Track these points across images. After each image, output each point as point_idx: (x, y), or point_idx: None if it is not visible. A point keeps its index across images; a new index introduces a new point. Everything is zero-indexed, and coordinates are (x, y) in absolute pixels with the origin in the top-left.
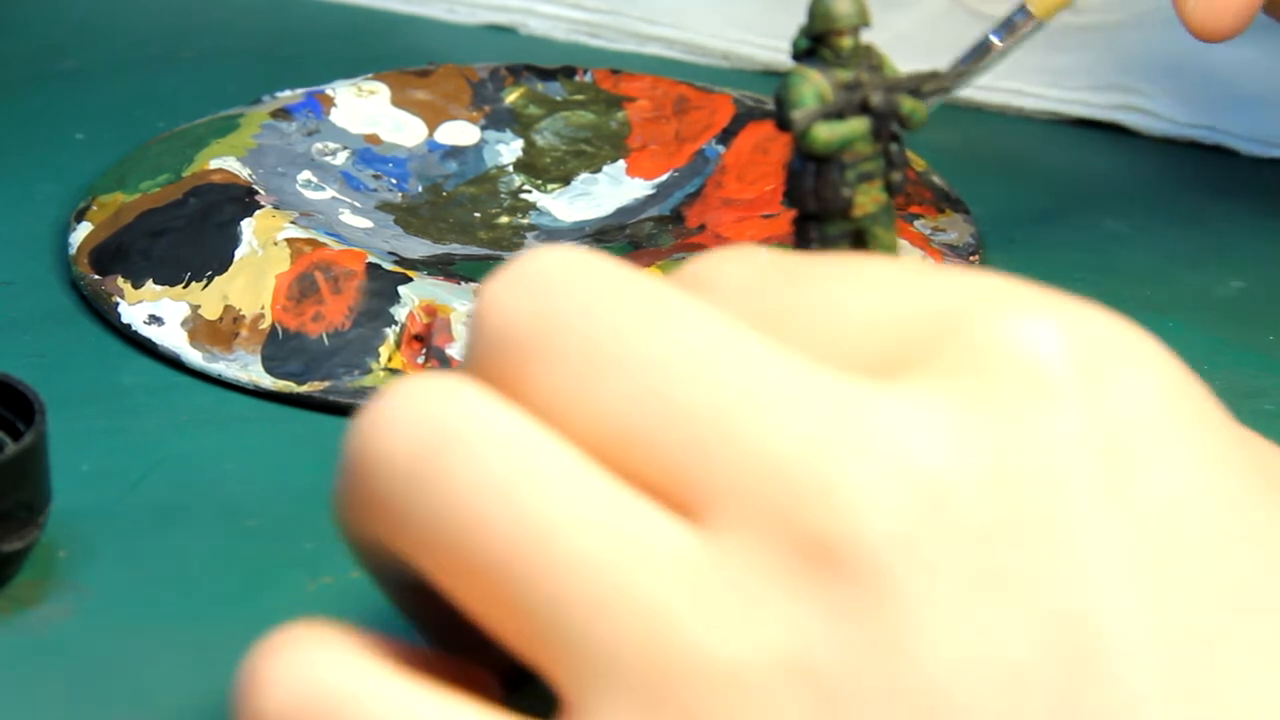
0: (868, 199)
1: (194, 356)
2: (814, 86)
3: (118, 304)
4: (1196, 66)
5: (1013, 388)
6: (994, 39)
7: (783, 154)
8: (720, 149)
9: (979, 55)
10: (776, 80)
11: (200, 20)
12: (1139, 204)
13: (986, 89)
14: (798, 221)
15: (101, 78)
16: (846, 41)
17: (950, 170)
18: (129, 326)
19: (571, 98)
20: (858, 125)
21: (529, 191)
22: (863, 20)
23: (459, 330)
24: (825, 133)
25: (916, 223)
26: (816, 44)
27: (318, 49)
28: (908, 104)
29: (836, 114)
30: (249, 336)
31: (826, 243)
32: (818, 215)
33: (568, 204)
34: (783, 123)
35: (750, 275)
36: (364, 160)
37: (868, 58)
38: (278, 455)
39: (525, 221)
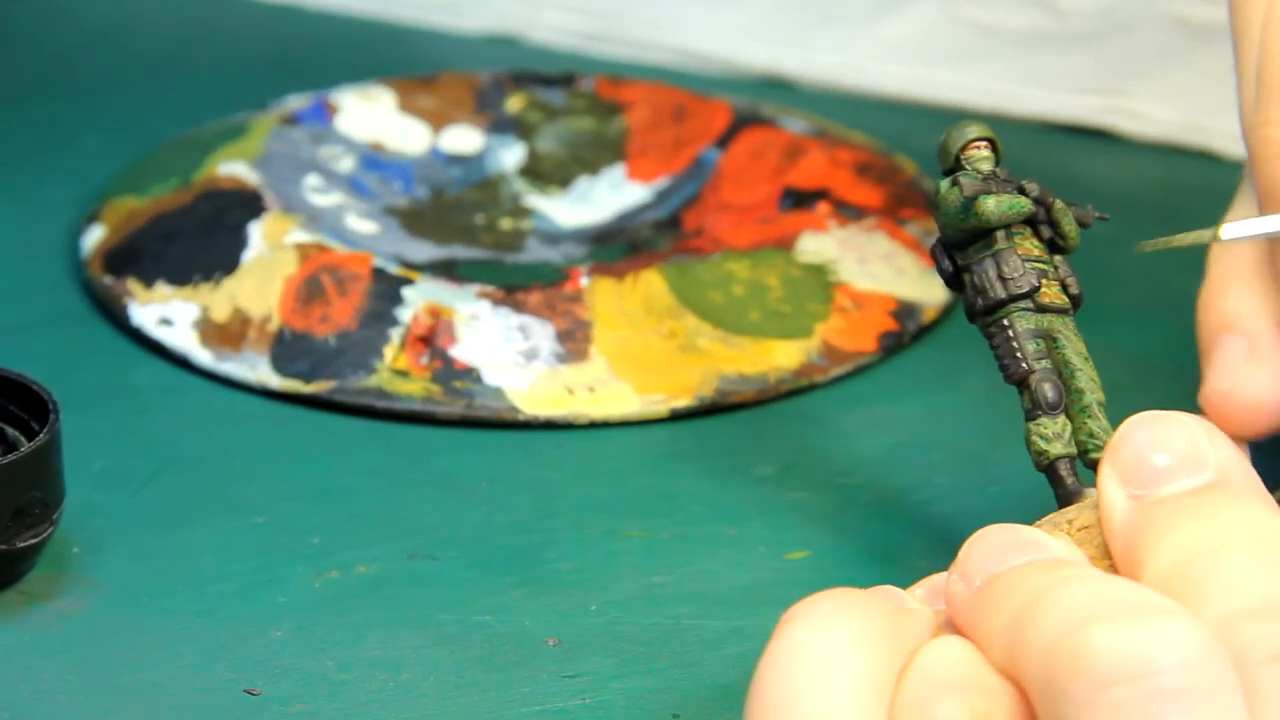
0: (1051, 291)
1: (204, 357)
2: (970, 174)
3: (129, 306)
4: (1181, 70)
5: None
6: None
7: (777, 159)
8: (717, 155)
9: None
10: (775, 87)
11: (210, 29)
12: (1126, 207)
13: (975, 93)
14: (985, 321)
15: (113, 85)
16: (984, 154)
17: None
18: (140, 328)
19: (572, 104)
20: (1021, 200)
21: (530, 196)
22: (986, 133)
23: (461, 331)
24: (992, 202)
25: (908, 226)
26: (956, 164)
27: (325, 58)
28: (1067, 222)
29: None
30: (257, 338)
31: (1018, 339)
32: (1003, 305)
33: (568, 208)
34: (956, 207)
35: None
36: (369, 165)
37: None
38: (285, 453)
39: (527, 225)
